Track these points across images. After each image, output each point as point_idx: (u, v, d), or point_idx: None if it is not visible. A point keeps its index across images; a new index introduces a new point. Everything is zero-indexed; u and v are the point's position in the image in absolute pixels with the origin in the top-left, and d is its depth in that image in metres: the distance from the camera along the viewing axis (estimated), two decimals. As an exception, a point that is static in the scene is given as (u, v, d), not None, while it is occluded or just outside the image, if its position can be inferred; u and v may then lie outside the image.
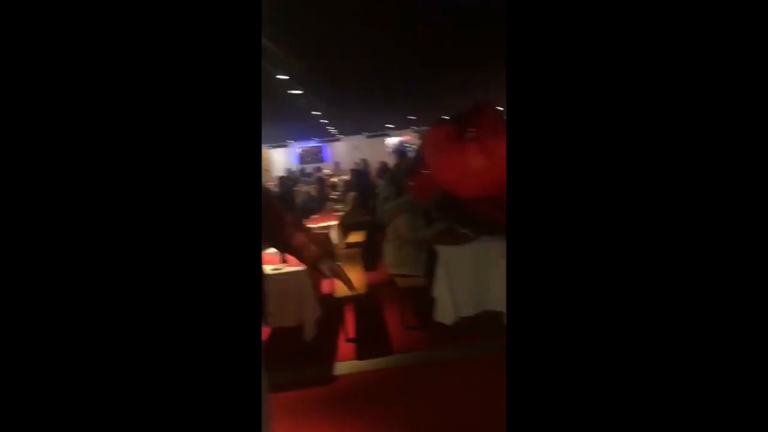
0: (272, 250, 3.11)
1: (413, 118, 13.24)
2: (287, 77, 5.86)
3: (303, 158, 15.91)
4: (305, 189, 7.18)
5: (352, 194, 6.56)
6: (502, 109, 2.89)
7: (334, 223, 4.86)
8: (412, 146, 11.56)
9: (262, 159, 10.68)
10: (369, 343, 2.98)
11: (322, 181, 7.27)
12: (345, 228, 5.00)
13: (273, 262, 2.81)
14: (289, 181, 7.37)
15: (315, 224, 4.31)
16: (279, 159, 15.61)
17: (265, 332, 3.03)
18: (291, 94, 7.00)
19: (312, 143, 16.06)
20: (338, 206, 6.18)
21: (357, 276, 3.33)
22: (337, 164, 12.95)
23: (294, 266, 2.70)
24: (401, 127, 15.17)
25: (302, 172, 11.07)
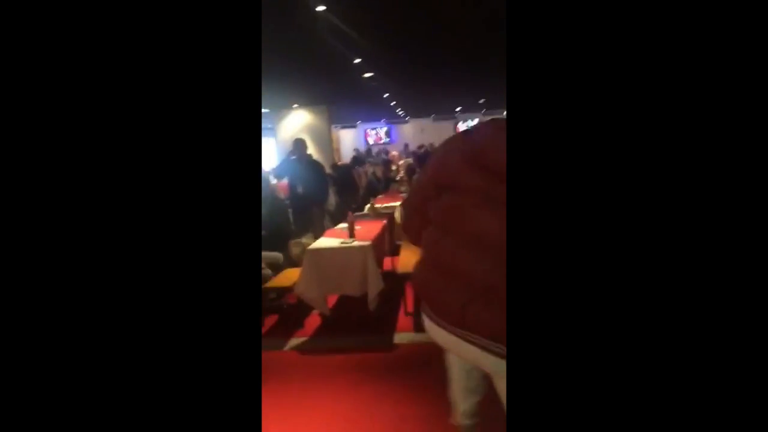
0: (342, 225, 3.35)
1: (482, 101, 12.98)
2: (359, 60, 6.05)
3: (370, 139, 16.21)
4: (371, 170, 7.43)
5: (415, 177, 6.67)
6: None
7: (397, 204, 5.03)
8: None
9: (332, 139, 11.04)
10: (426, 318, 3.14)
11: (387, 163, 7.45)
12: (408, 209, 5.13)
13: (342, 237, 3.04)
14: (356, 161, 7.64)
15: (379, 204, 4.52)
16: (348, 140, 16.01)
17: (332, 300, 3.31)
18: (362, 77, 7.19)
19: (380, 124, 16.29)
20: (402, 188, 6.35)
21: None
22: (404, 146, 13.10)
23: (361, 241, 2.92)
24: (470, 110, 14.93)
25: (369, 153, 11.36)
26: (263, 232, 3.65)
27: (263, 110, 10.27)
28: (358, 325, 3.01)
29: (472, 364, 1.15)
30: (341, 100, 9.55)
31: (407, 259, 3.45)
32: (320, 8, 3.78)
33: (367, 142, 15.98)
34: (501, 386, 1.09)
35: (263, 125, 12.64)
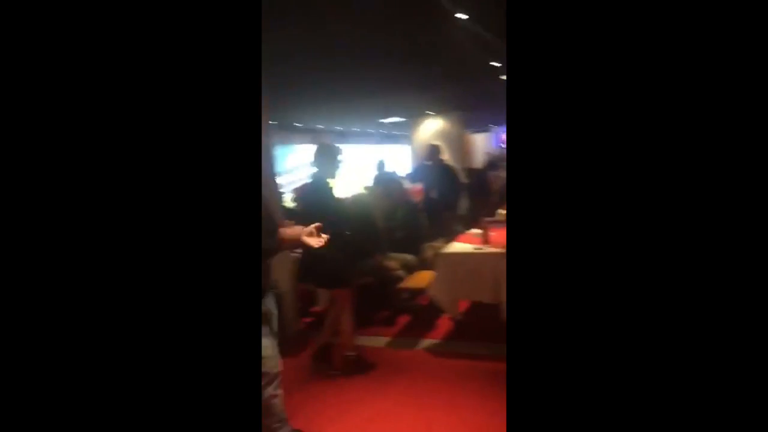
0: (475, 230, 3.33)
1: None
2: (496, 63, 5.92)
3: (504, 143, 15.70)
4: (503, 174, 7.18)
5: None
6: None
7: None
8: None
9: (465, 143, 10.99)
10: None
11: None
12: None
13: (475, 242, 3.02)
14: (490, 166, 7.48)
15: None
16: (479, 144, 15.75)
17: (464, 305, 3.30)
18: (498, 79, 7.03)
19: (515, 128, 15.68)
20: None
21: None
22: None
23: (495, 247, 2.86)
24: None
25: (501, 157, 11.01)
26: (398, 234, 3.81)
27: (399, 119, 10.68)
28: (491, 333, 2.95)
29: None
30: (475, 104, 9.45)
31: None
32: (459, 15, 3.82)
33: (500, 145, 15.51)
34: None
35: (400, 132, 13.13)
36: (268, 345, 1.56)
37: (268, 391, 1.58)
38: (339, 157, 2.50)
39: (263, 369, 1.53)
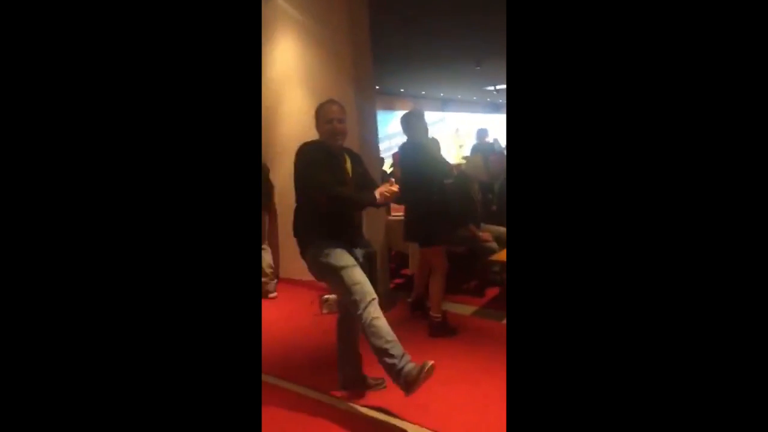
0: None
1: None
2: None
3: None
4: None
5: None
6: None
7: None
8: None
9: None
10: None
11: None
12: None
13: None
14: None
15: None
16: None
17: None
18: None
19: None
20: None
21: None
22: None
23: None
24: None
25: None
26: (493, 207, 3.74)
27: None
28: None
29: None
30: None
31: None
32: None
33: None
34: None
35: (504, 101, 12.52)
36: (359, 273, 1.80)
37: (369, 313, 1.73)
38: (425, 121, 2.63)
39: (358, 296, 1.74)
